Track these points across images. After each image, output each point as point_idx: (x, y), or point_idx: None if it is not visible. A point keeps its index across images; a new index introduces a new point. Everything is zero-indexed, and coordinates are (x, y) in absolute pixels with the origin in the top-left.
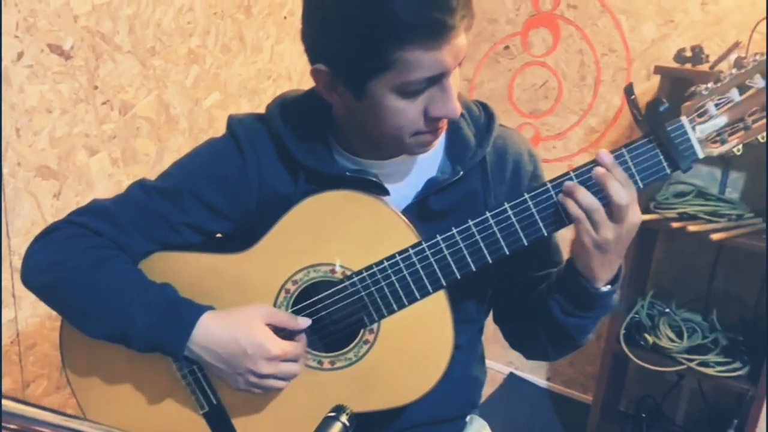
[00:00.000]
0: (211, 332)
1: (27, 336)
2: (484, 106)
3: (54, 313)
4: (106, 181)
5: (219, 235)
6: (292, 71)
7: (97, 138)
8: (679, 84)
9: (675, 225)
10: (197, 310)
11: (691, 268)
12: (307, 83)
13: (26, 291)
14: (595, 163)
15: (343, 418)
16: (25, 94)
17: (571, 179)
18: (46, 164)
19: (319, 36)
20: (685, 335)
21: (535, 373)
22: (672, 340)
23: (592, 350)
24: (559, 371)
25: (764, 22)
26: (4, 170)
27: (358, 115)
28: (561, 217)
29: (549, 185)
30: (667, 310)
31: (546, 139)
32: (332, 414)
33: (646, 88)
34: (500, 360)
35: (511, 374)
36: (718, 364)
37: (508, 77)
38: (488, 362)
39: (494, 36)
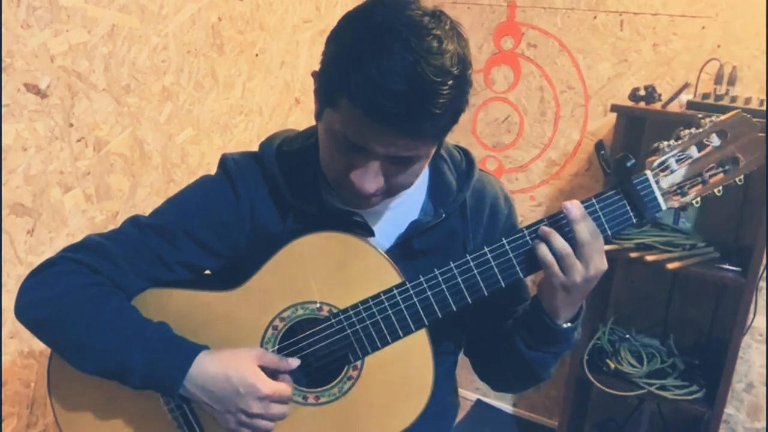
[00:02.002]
0: (205, 371)
1: None
2: (465, 152)
3: (25, 350)
4: (79, 217)
5: (208, 271)
6: (263, 106)
7: (72, 175)
8: (634, 121)
9: (633, 255)
10: (193, 350)
11: (648, 295)
12: (278, 118)
13: None
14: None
15: None
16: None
17: (545, 225)
18: (20, 202)
19: (325, 46)
20: (645, 360)
21: (502, 400)
22: (633, 366)
23: (557, 376)
24: (525, 397)
25: (711, 62)
26: None
27: (318, 135)
28: (536, 261)
29: (525, 231)
30: (627, 336)
31: (509, 172)
32: None
33: (603, 123)
34: (468, 387)
35: (479, 401)
36: (677, 387)
37: (471, 112)
38: None
39: None
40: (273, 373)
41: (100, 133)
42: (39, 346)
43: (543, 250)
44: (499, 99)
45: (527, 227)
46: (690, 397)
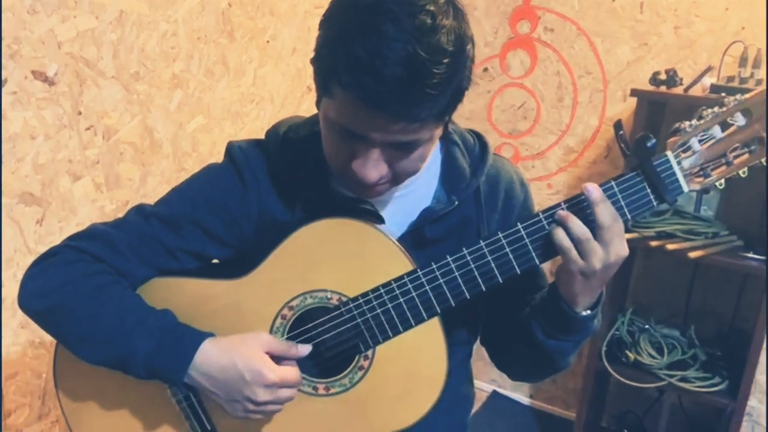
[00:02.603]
0: (210, 359)
1: (8, 365)
2: (478, 136)
3: (36, 340)
4: (89, 206)
5: (215, 261)
6: (275, 94)
7: (81, 163)
8: (655, 106)
9: (654, 243)
10: (198, 337)
11: (668, 284)
12: (290, 106)
13: (7, 319)
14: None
15: None
16: (8, 121)
17: (562, 209)
18: (29, 191)
19: (318, 31)
20: (666, 351)
21: (518, 391)
22: (653, 357)
23: (574, 367)
24: (541, 388)
25: (735, 44)
26: None
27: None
28: (553, 247)
29: (541, 216)
30: (647, 326)
31: (525, 159)
32: None
33: (622, 109)
34: (483, 378)
35: (495, 392)
36: (698, 379)
37: (487, 98)
38: None
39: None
40: (281, 360)
41: (109, 121)
42: (50, 336)
43: (560, 234)
44: (515, 85)
45: (543, 211)
46: (712, 390)
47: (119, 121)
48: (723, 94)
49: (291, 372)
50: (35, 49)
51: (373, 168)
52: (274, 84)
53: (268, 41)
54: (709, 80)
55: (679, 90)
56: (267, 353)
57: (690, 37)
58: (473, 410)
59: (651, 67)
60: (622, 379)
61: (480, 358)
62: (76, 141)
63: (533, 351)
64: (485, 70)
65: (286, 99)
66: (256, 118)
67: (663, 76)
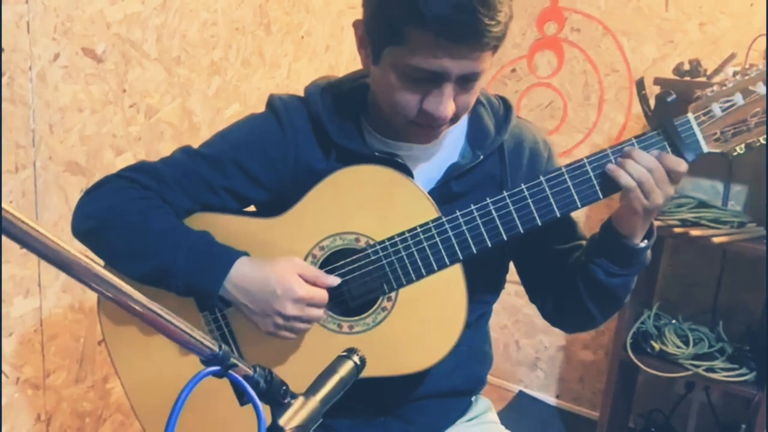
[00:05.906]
0: (245, 274)
1: (50, 326)
2: (503, 99)
3: (76, 305)
4: None
5: (253, 207)
6: None
7: (124, 139)
8: (679, 96)
9: (677, 230)
10: (234, 254)
11: (696, 280)
12: None
13: (51, 281)
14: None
15: (355, 358)
16: (59, 93)
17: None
18: (75, 160)
19: None
20: (692, 342)
21: (545, 391)
22: (678, 347)
23: (602, 366)
24: (568, 389)
25: (760, 39)
26: (37, 163)
27: (374, 80)
28: (573, 200)
29: (564, 169)
30: (674, 321)
31: None
32: (344, 354)
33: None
34: (510, 379)
35: (521, 392)
36: (725, 370)
37: (515, 98)
38: (498, 381)
39: (501, 60)
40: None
41: (151, 101)
42: (89, 302)
43: (623, 176)
44: (542, 84)
45: (566, 166)
46: (740, 379)
47: (160, 102)
48: (738, 68)
49: (319, 292)
50: (86, 28)
51: (448, 104)
52: (308, 78)
53: (302, 37)
54: (732, 69)
55: (702, 80)
56: (299, 275)
57: (715, 33)
58: (499, 409)
59: (676, 63)
60: (647, 369)
61: (507, 358)
62: (120, 117)
63: (597, 294)
64: (513, 71)
65: None
66: None
67: (687, 67)
